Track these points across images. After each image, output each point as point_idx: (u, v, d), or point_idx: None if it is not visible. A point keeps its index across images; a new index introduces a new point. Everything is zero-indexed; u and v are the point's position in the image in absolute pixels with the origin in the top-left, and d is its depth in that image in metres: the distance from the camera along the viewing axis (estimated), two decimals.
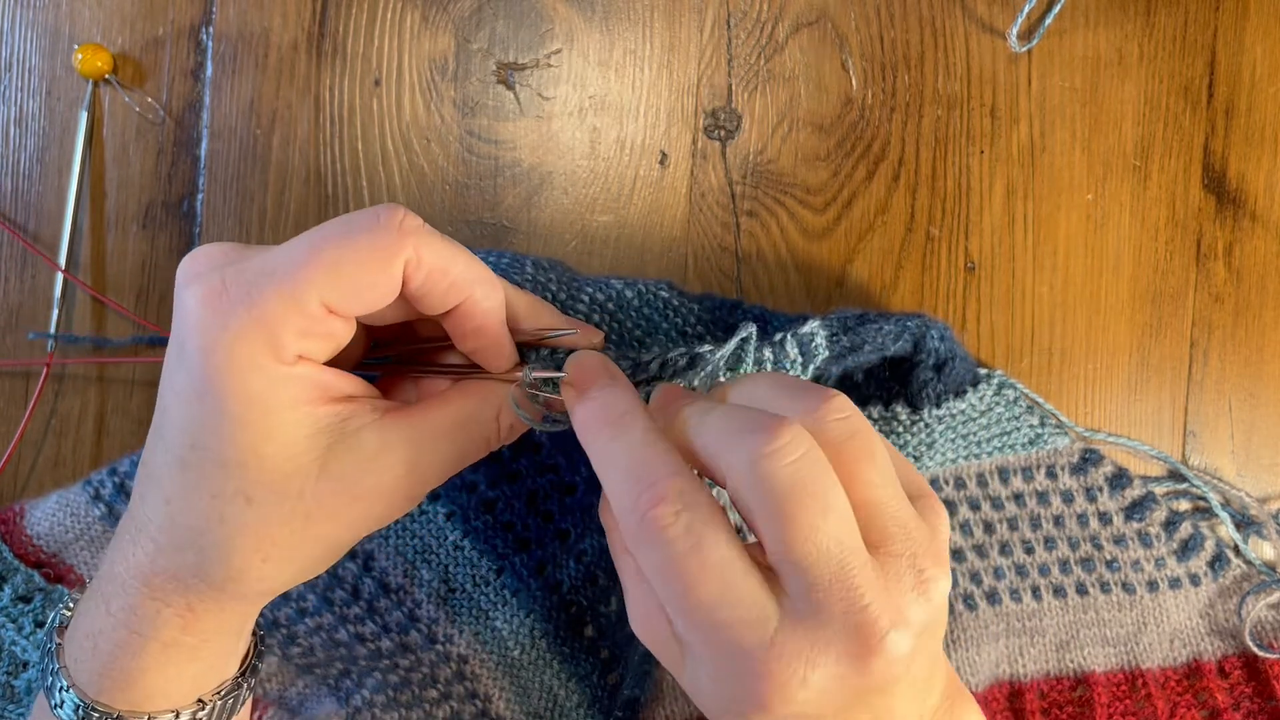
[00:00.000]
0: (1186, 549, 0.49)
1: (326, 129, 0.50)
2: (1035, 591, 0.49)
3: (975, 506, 0.49)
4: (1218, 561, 0.49)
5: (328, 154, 0.50)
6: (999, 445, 0.49)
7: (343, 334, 0.32)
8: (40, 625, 0.46)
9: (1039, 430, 0.49)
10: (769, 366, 0.41)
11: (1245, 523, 0.50)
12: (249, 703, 0.39)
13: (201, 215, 0.50)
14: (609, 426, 0.32)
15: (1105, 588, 0.49)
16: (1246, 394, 0.51)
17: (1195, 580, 0.49)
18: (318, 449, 0.32)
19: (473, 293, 0.33)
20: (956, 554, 0.49)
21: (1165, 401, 0.51)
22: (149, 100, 0.50)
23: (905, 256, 0.50)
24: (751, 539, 0.31)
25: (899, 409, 0.47)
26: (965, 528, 0.49)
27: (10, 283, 0.50)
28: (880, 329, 0.44)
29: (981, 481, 0.49)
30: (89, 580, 0.47)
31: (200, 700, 0.35)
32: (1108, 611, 0.49)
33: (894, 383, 0.48)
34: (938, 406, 0.47)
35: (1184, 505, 0.50)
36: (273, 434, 0.31)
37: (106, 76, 0.49)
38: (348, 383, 0.33)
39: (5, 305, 0.50)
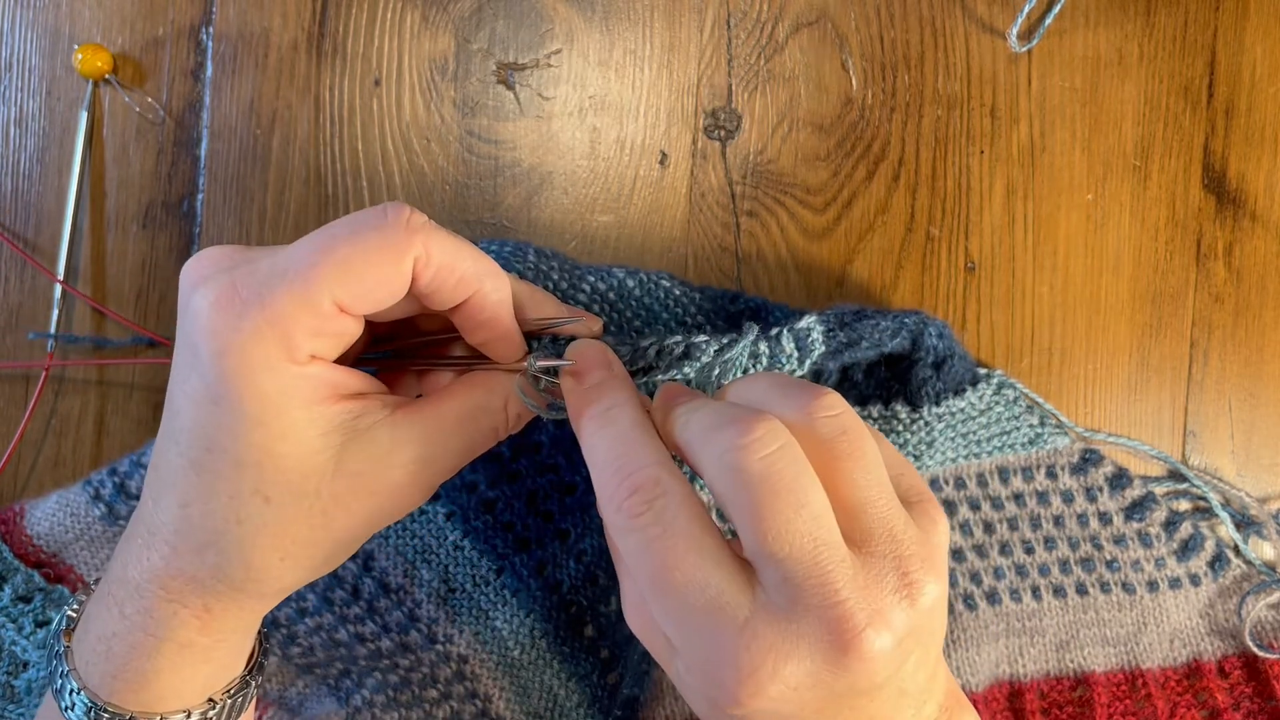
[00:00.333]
0: (1186, 549, 0.49)
1: (326, 129, 0.50)
2: (1035, 591, 0.49)
3: (975, 506, 0.49)
4: (1218, 561, 0.49)
5: (328, 154, 0.50)
6: (999, 445, 0.49)
7: (352, 332, 0.32)
8: (40, 625, 0.46)
9: (1039, 430, 0.49)
10: (765, 360, 0.41)
11: (1245, 523, 0.50)
12: (254, 701, 0.39)
13: (201, 215, 0.50)
14: (598, 417, 0.32)
15: (1105, 588, 0.49)
16: (1246, 394, 0.51)
17: (1195, 580, 0.49)
18: (332, 447, 0.32)
19: (481, 286, 0.33)
20: (956, 554, 0.49)
21: (1165, 401, 0.51)
22: (149, 100, 0.50)
23: (905, 256, 0.50)
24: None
25: (898, 408, 0.47)
26: (965, 528, 0.49)
27: (10, 283, 0.50)
28: (878, 325, 0.44)
29: (981, 481, 0.49)
30: (89, 580, 0.47)
31: (211, 700, 0.36)
32: (1108, 611, 0.49)
33: (894, 381, 0.48)
34: (937, 405, 0.47)
35: (1184, 505, 0.50)
36: (288, 433, 0.31)
37: (106, 76, 0.49)
38: (358, 380, 0.33)
39: (5, 306, 0.50)
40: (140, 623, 0.33)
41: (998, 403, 0.49)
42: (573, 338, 0.36)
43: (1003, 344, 0.50)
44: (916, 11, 0.50)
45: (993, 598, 0.49)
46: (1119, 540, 0.49)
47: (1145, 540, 0.49)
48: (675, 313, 0.48)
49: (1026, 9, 0.49)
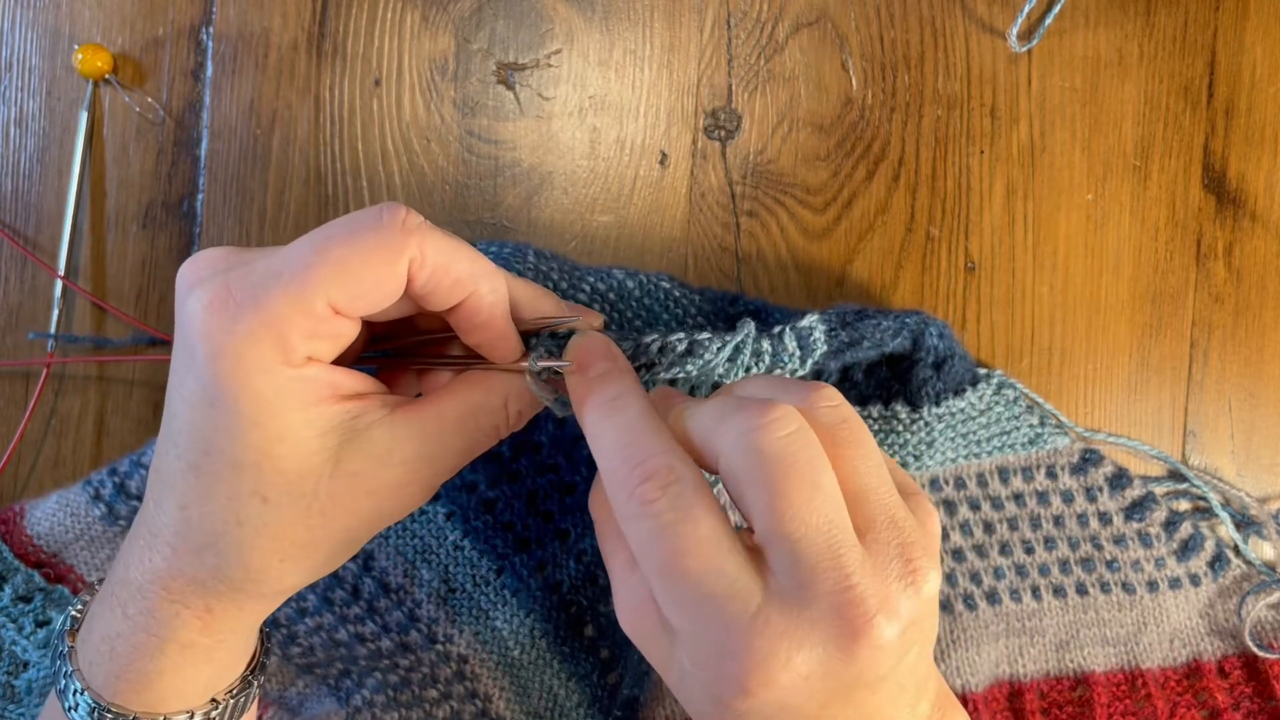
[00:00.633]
0: (1186, 549, 0.49)
1: (326, 129, 0.50)
2: (1035, 591, 0.49)
3: (975, 506, 0.49)
4: (1218, 561, 0.49)
5: (328, 154, 0.50)
6: (999, 445, 0.49)
7: (349, 334, 0.32)
8: (41, 625, 0.46)
9: (1039, 430, 0.49)
10: (767, 359, 0.41)
11: (1245, 523, 0.50)
12: (255, 700, 0.39)
13: (201, 215, 0.50)
14: (604, 405, 0.32)
15: (1105, 588, 0.49)
16: (1246, 394, 0.51)
17: (1195, 580, 0.49)
18: (330, 447, 0.32)
19: (477, 287, 0.33)
20: (956, 554, 0.49)
21: (1165, 401, 0.51)
22: (149, 100, 0.50)
23: (905, 256, 0.50)
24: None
25: (899, 407, 0.47)
26: (965, 528, 0.49)
27: (10, 283, 0.50)
28: (879, 324, 0.44)
29: (981, 481, 0.49)
30: (89, 580, 0.47)
31: (214, 700, 0.36)
32: (1108, 611, 0.49)
33: (894, 382, 0.48)
34: (937, 405, 0.47)
35: (1184, 505, 0.50)
36: (285, 435, 0.31)
37: (106, 76, 0.49)
38: (356, 380, 0.33)
39: (5, 305, 0.50)
40: (143, 623, 0.33)
41: (998, 403, 0.49)
42: (573, 332, 0.36)
43: (1003, 344, 0.50)
44: (916, 11, 0.50)
45: (993, 598, 0.49)
46: (1119, 540, 0.49)
47: (1145, 540, 0.49)
48: (675, 314, 0.48)
49: (1026, 9, 0.49)
